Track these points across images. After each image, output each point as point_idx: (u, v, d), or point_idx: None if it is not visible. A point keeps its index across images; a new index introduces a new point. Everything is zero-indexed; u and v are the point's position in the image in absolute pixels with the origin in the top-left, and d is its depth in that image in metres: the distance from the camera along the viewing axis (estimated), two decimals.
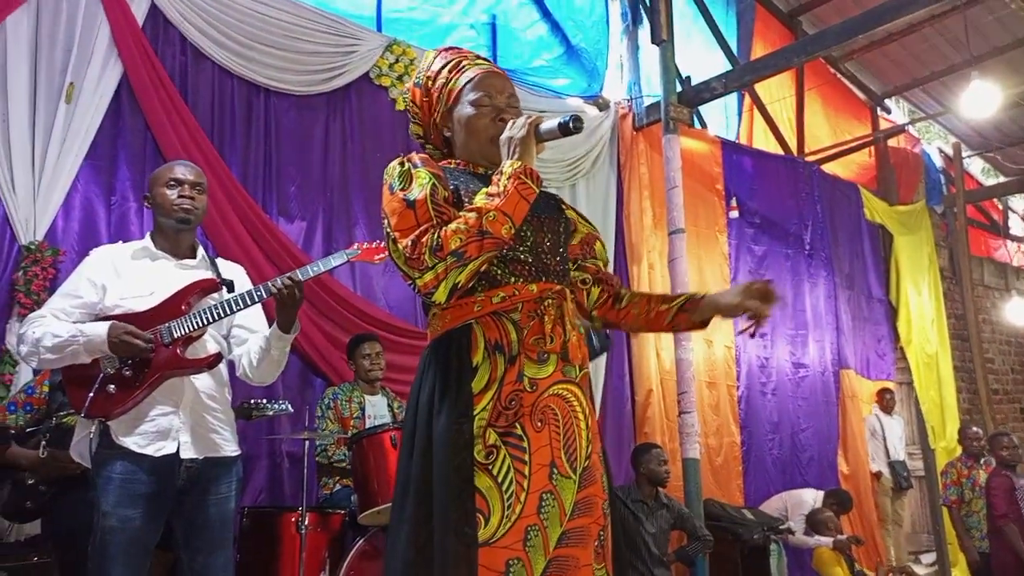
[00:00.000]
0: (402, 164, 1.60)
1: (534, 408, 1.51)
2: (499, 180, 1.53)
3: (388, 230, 1.54)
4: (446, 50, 1.77)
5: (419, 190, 1.53)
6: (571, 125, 1.55)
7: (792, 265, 6.91)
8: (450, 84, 1.68)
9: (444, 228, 1.48)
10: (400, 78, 4.78)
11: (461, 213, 1.51)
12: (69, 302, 2.23)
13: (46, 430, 2.86)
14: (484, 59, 1.77)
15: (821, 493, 5.84)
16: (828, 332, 7.06)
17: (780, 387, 6.53)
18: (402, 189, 1.55)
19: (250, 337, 2.39)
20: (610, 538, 1.58)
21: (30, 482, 2.82)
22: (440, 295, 1.49)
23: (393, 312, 4.56)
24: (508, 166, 1.54)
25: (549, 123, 1.58)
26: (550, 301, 1.58)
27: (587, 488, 1.53)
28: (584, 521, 1.51)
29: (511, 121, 1.61)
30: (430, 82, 1.71)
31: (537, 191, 1.55)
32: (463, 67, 1.70)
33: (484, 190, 1.54)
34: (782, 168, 7.12)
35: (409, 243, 1.48)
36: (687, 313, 1.75)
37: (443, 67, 1.71)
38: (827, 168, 7.69)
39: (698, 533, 4.55)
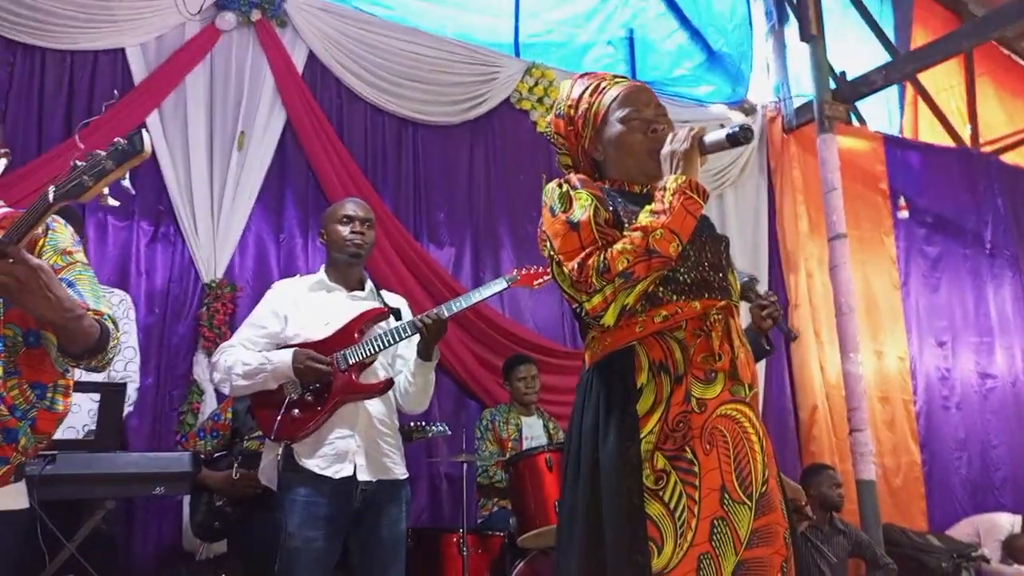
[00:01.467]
0: (560, 186, 1.58)
1: (703, 430, 1.45)
2: (663, 196, 1.49)
3: (552, 253, 1.53)
4: (582, 76, 1.75)
5: (581, 211, 1.51)
6: (740, 136, 1.48)
7: (972, 266, 6.33)
8: (594, 107, 1.65)
9: (610, 249, 1.46)
10: (540, 100, 4.83)
11: (626, 233, 1.48)
12: (256, 332, 2.42)
13: (238, 453, 3.08)
14: (622, 77, 1.74)
15: (1019, 518, 5.25)
16: (1018, 338, 6.39)
17: (965, 400, 5.97)
18: (564, 211, 1.53)
19: (404, 367, 2.49)
20: (793, 571, 1.48)
21: (217, 504, 3.05)
22: (609, 318, 1.45)
23: (542, 333, 4.58)
24: (672, 181, 1.49)
25: (715, 134, 1.52)
26: (716, 317, 1.52)
27: (766, 515, 1.45)
28: (764, 552, 1.43)
29: (672, 134, 1.56)
30: (572, 110, 1.68)
31: (704, 206, 1.50)
32: (603, 88, 1.68)
33: (648, 207, 1.49)
34: (954, 161, 6.55)
35: (576, 266, 1.46)
36: None
37: (583, 92, 1.69)
38: (1007, 158, 7.00)
39: (880, 561, 4.21)
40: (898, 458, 5.47)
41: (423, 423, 3.37)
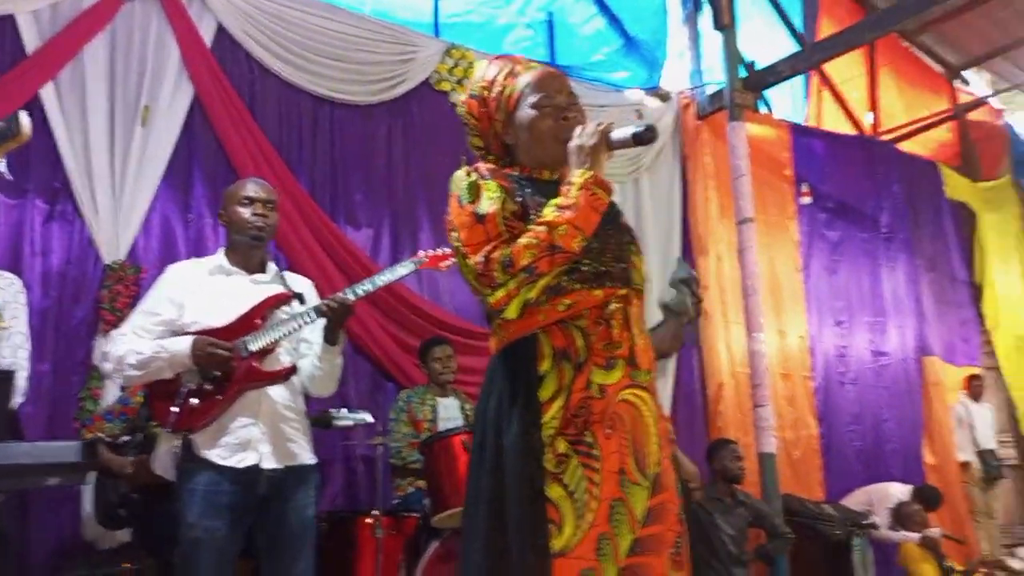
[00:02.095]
0: (469, 175, 1.58)
1: (604, 415, 1.49)
2: (568, 191, 1.51)
3: (457, 244, 1.54)
4: (498, 58, 1.76)
5: (488, 204, 1.53)
6: (644, 136, 1.52)
7: (869, 249, 6.68)
8: (507, 91, 1.67)
9: (515, 243, 1.48)
10: (460, 82, 4.81)
11: (531, 227, 1.50)
12: (149, 320, 2.31)
13: (135, 443, 2.99)
14: (537, 62, 1.76)
15: (908, 487, 5.62)
16: (910, 317, 6.80)
17: (860, 376, 6.32)
18: (471, 202, 1.54)
19: (310, 351, 2.45)
20: (687, 546, 1.57)
21: (123, 490, 2.96)
22: (511, 311, 1.48)
23: (460, 314, 4.60)
24: (578, 176, 1.52)
25: (621, 132, 1.55)
26: (616, 306, 1.56)
27: (660, 495, 1.52)
28: (658, 528, 1.50)
29: (580, 128, 1.58)
30: (486, 91, 1.69)
31: (608, 201, 1.53)
32: (517, 72, 1.69)
33: (554, 202, 1.52)
34: (856, 149, 6.87)
35: (480, 259, 1.48)
36: None
37: (497, 75, 1.70)
38: (904, 147, 7.39)
39: (778, 531, 4.44)
40: (797, 432, 5.76)
41: (344, 410, 3.34)
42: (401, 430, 3.80)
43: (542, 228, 1.47)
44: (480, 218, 1.51)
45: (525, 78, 1.67)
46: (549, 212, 1.50)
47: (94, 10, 3.74)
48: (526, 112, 1.64)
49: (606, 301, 1.55)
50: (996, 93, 8.56)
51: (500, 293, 1.47)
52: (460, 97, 1.80)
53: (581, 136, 1.55)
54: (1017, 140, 8.63)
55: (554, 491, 1.45)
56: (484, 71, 1.73)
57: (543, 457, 1.46)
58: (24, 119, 1.24)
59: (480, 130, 1.73)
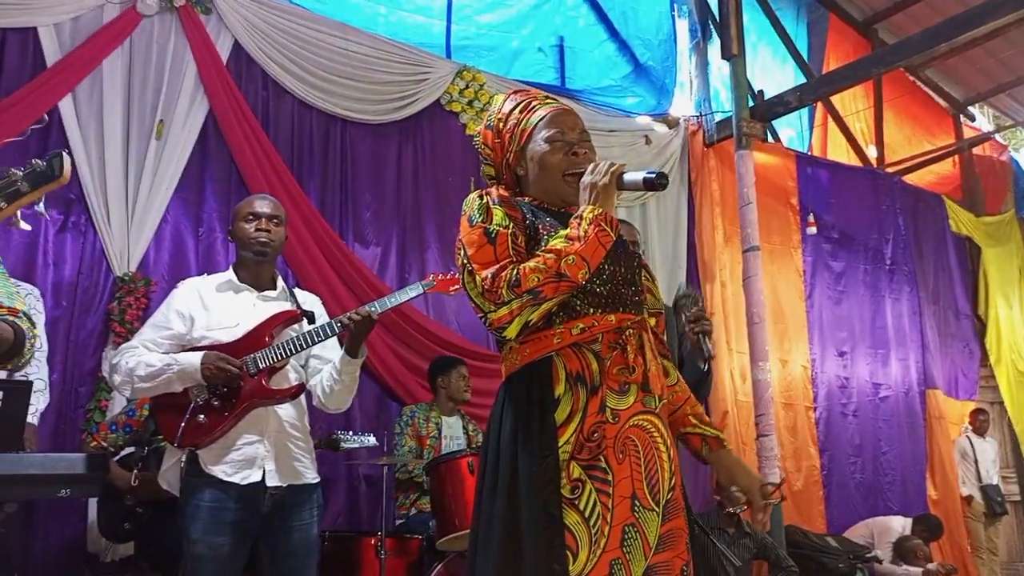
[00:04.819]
0: (481, 197, 1.62)
1: (616, 439, 1.50)
2: (579, 224, 1.54)
3: (465, 261, 1.56)
4: (515, 92, 1.81)
5: (500, 225, 1.56)
6: (656, 181, 1.55)
7: (872, 281, 6.69)
8: (522, 124, 1.70)
9: (523, 265, 1.50)
10: (470, 103, 4.85)
11: (539, 253, 1.53)
12: (159, 333, 2.33)
13: (138, 457, 2.98)
14: (552, 98, 1.79)
15: (909, 520, 5.60)
16: (912, 350, 6.80)
17: (861, 408, 6.30)
18: (482, 222, 1.57)
19: (324, 367, 2.46)
20: (692, 574, 1.57)
21: (128, 503, 2.95)
22: (512, 331, 1.51)
23: (466, 336, 4.61)
24: (588, 211, 1.55)
25: (633, 175, 1.58)
26: (631, 331, 1.58)
27: (671, 521, 1.53)
28: (668, 555, 1.50)
29: (593, 164, 1.61)
30: (501, 124, 1.73)
31: (615, 238, 1.56)
32: (533, 107, 1.72)
33: (563, 233, 1.55)
34: (861, 180, 6.91)
35: (489, 276, 1.51)
36: (700, 447, 1.77)
37: (514, 108, 1.73)
38: (908, 179, 7.43)
39: (782, 563, 4.41)
40: (799, 462, 5.73)
41: (350, 433, 3.34)
42: (407, 443, 3.78)
43: (551, 255, 1.50)
44: (491, 238, 1.55)
45: (539, 113, 1.70)
46: (558, 241, 1.53)
47: (113, 24, 3.78)
48: (539, 145, 1.68)
49: (620, 326, 1.57)
50: (1000, 130, 8.65)
51: (503, 311, 1.49)
52: (476, 124, 1.83)
53: (594, 174, 1.58)
54: (1021, 175, 8.70)
55: (570, 517, 1.45)
56: (501, 104, 1.77)
57: (559, 483, 1.47)
58: (66, 161, 1.23)
59: (493, 160, 1.77)
